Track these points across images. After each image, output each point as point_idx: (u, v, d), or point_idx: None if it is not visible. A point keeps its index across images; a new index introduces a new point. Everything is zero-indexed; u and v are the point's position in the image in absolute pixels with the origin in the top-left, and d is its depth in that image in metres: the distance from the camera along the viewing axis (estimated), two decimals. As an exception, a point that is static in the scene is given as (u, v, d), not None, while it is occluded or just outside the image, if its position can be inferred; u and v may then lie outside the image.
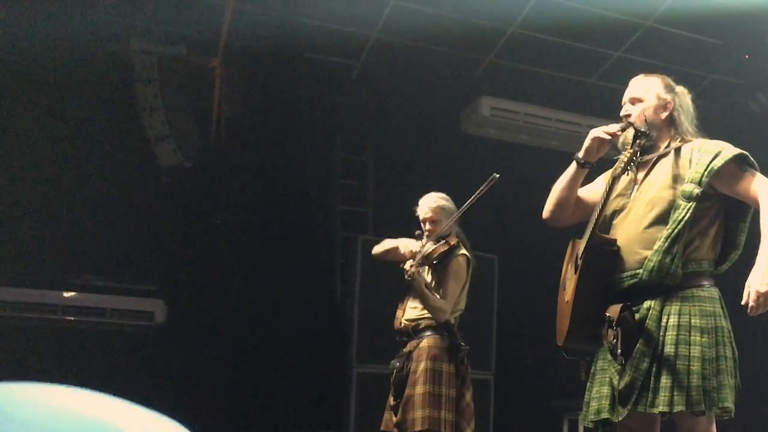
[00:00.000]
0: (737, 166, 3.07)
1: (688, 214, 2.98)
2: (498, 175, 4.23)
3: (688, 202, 2.99)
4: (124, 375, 6.65)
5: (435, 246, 4.67)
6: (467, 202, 4.49)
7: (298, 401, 7.03)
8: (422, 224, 4.85)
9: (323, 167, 8.07)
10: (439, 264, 4.67)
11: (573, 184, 3.39)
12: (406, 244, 4.84)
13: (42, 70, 6.56)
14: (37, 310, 6.42)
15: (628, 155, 3.07)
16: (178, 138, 6.71)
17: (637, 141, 3.10)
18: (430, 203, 4.84)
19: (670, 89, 3.29)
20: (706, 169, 3.00)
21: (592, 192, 3.47)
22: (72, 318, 6.52)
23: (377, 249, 5.03)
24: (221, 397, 7.00)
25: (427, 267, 4.78)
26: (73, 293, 6.53)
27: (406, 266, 4.52)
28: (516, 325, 8.30)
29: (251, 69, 7.28)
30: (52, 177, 6.64)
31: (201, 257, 7.12)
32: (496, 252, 8.24)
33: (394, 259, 4.95)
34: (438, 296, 4.67)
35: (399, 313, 4.83)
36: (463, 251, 4.76)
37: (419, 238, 4.83)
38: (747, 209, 3.10)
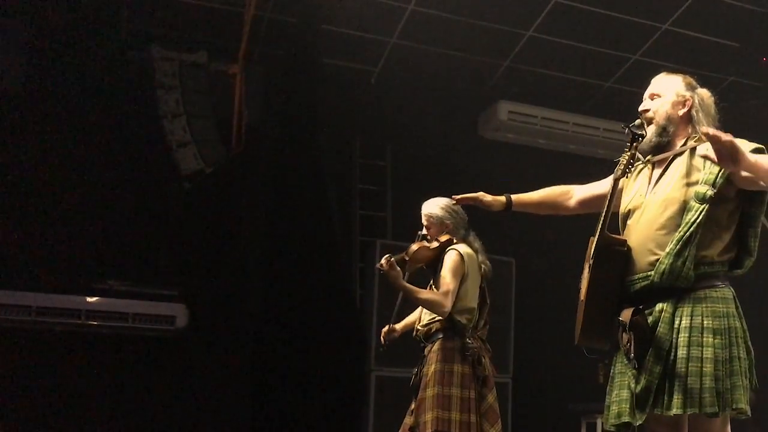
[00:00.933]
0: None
1: (700, 217, 2.93)
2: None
3: (701, 204, 2.95)
4: (146, 379, 6.76)
5: (421, 244, 4.66)
6: None
7: (318, 405, 7.05)
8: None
9: (342, 172, 8.11)
10: (435, 262, 4.67)
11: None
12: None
13: (65, 77, 6.63)
14: (60, 315, 6.46)
15: (626, 158, 3.08)
16: (199, 144, 6.79)
17: (634, 144, 3.11)
18: (427, 207, 4.85)
19: (690, 87, 3.25)
20: (720, 169, 2.93)
21: (596, 191, 3.52)
22: (95, 323, 6.55)
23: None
24: (242, 401, 7.05)
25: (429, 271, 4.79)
26: (96, 298, 6.57)
27: (382, 261, 4.46)
28: (534, 328, 8.29)
29: (271, 75, 7.35)
30: (75, 183, 6.70)
31: (222, 262, 7.16)
32: (513, 255, 8.27)
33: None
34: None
35: (414, 318, 4.88)
36: (457, 248, 4.69)
37: (420, 238, 4.83)
38: (758, 212, 3.06)
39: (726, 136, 2.62)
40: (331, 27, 7.32)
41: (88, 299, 6.57)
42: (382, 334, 4.95)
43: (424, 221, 4.81)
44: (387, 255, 4.44)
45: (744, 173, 2.80)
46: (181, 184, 6.89)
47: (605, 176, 3.41)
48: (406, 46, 7.68)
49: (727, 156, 2.65)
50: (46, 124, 6.64)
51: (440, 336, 4.60)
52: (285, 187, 7.15)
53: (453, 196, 3.85)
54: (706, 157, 2.77)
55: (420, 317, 4.78)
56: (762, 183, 2.85)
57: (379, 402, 7.22)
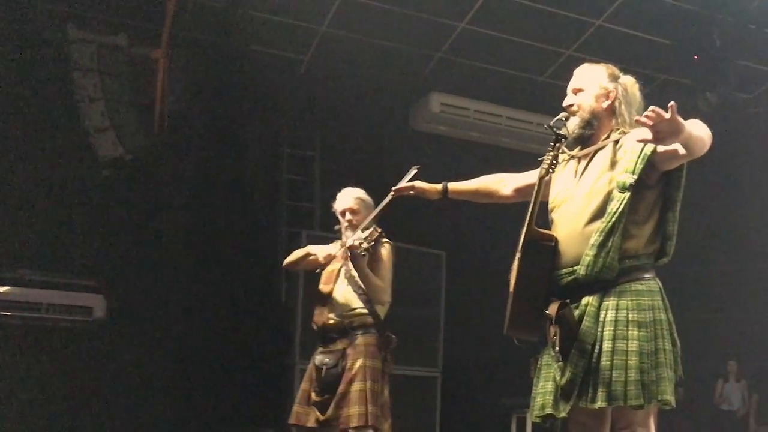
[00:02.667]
0: None
1: (622, 206, 2.92)
2: (418, 168, 4.22)
3: (623, 193, 2.94)
4: (61, 372, 6.58)
5: (370, 230, 4.60)
6: (386, 198, 4.47)
7: (241, 398, 6.99)
8: (341, 216, 4.78)
9: (269, 162, 8.01)
10: (370, 247, 4.62)
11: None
12: (321, 249, 4.82)
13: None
14: (-33, 304, 6.28)
15: (549, 158, 3.08)
16: (118, 130, 6.62)
17: (556, 145, 3.11)
18: (352, 194, 4.81)
19: (613, 78, 3.22)
20: (639, 156, 2.95)
21: (526, 181, 3.49)
22: (7, 313, 6.37)
23: (288, 259, 4.96)
24: (163, 395, 6.91)
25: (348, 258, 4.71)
26: (6, 288, 6.38)
27: (350, 241, 4.43)
28: (464, 322, 8.28)
29: (196, 61, 7.20)
30: (-16, 168, 6.51)
31: (142, 252, 7.00)
32: (444, 248, 8.22)
33: (306, 267, 4.93)
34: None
35: (323, 310, 4.70)
36: (388, 240, 4.69)
37: (338, 232, 4.78)
38: (677, 196, 3.05)
39: (664, 114, 2.63)
40: (260, 13, 7.20)
41: (-2, 288, 6.38)
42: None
43: (352, 206, 4.74)
44: (356, 237, 4.43)
45: (670, 148, 2.81)
46: (99, 171, 6.71)
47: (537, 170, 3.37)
48: (336, 34, 7.59)
49: (667, 132, 2.67)
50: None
51: (366, 330, 4.56)
52: (209, 177, 7.06)
53: (392, 189, 3.85)
54: (643, 141, 2.77)
55: (330, 306, 4.65)
56: (691, 152, 2.85)
57: None
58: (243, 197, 7.24)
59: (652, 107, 2.65)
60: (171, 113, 6.87)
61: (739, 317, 9.68)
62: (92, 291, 6.69)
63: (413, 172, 4.22)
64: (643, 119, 2.67)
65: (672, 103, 2.63)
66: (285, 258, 6.83)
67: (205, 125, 7.30)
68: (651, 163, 2.95)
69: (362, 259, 4.46)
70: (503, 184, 3.60)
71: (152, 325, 6.94)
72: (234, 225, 7.12)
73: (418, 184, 3.78)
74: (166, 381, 6.96)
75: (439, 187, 3.71)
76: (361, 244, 4.38)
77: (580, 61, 3.36)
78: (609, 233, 2.93)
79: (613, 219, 2.92)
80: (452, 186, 3.69)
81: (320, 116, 8.11)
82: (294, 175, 8.12)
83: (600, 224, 2.95)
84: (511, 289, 3.10)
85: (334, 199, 4.90)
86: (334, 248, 4.78)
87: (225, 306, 7.07)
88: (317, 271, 4.70)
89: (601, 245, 2.92)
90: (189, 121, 7.25)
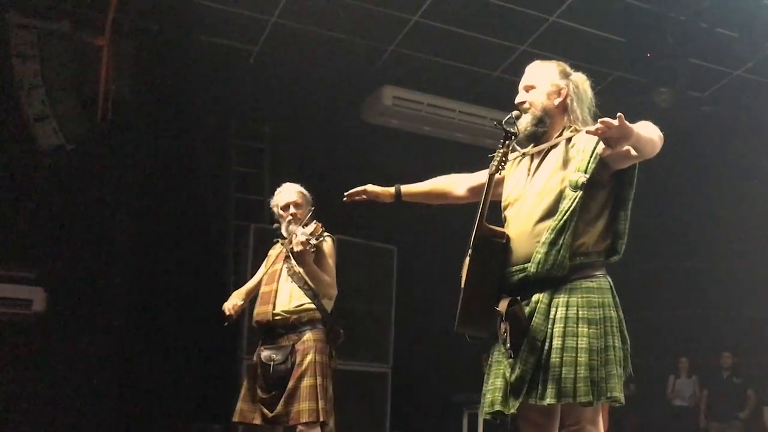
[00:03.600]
0: None
1: (574, 204, 2.92)
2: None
3: (575, 192, 2.94)
4: (1, 365, 6.42)
5: (313, 225, 4.57)
6: None
7: (187, 392, 6.92)
8: (283, 210, 4.77)
9: (217, 153, 7.88)
10: (316, 243, 4.59)
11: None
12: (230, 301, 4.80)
13: None
14: None
15: (499, 156, 3.05)
16: (59, 119, 6.46)
17: (506, 142, 3.08)
18: (293, 188, 4.84)
19: (564, 75, 3.21)
20: (591, 155, 2.95)
21: (477, 180, 3.47)
22: (-61, 305, 6.23)
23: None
24: (106, 390, 6.80)
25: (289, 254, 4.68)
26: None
27: (299, 238, 4.40)
28: (416, 318, 8.25)
29: (141, 49, 7.04)
30: None
31: (85, 244, 6.85)
32: (395, 243, 8.17)
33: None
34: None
35: (266, 307, 4.64)
36: (330, 235, 4.67)
37: (278, 230, 4.80)
38: (628, 195, 3.06)
39: (613, 122, 2.66)
40: (207, 2, 7.07)
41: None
42: (233, 309, 4.73)
43: (296, 199, 4.76)
44: (303, 233, 4.43)
45: (622, 149, 2.80)
46: (39, 161, 6.56)
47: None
48: (287, 25, 7.48)
49: (617, 138, 2.70)
50: None
51: (314, 325, 4.55)
52: (154, 168, 6.92)
53: (345, 194, 3.74)
54: (594, 134, 2.77)
55: (274, 303, 4.61)
56: (642, 154, 2.87)
57: None
58: (190, 189, 7.12)
59: (601, 119, 2.68)
60: (115, 103, 6.73)
61: (690, 314, 9.78)
62: (32, 283, 6.54)
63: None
64: (593, 130, 2.70)
65: (620, 114, 2.66)
66: (233, 251, 6.76)
67: (151, 116, 7.15)
68: (603, 162, 2.95)
69: (310, 256, 4.44)
70: (456, 184, 3.58)
71: (95, 318, 6.79)
72: (181, 217, 6.99)
73: (370, 188, 3.70)
74: (109, 376, 6.83)
75: (392, 190, 3.66)
76: (309, 240, 4.37)
77: (534, 57, 3.34)
78: (560, 231, 2.93)
79: (565, 217, 2.93)
80: (405, 188, 3.66)
81: (270, 108, 8.00)
82: (243, 167, 8.02)
83: (551, 222, 2.95)
84: (462, 285, 3.09)
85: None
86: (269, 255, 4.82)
87: (170, 300, 6.97)
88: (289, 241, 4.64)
89: (552, 243, 2.93)
90: (134, 111, 7.09)
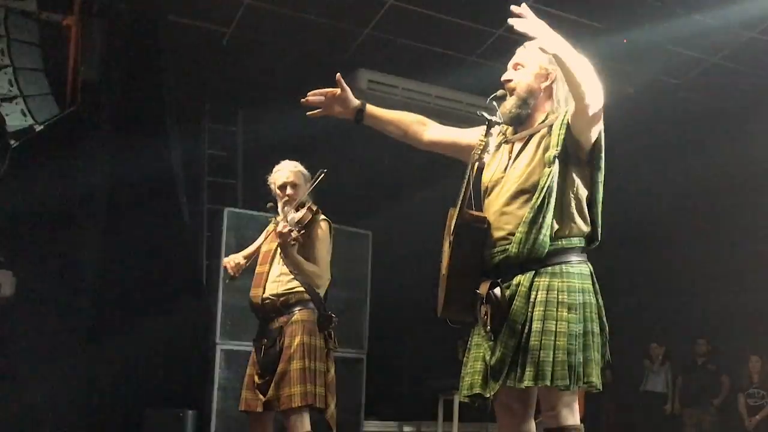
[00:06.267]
0: None
1: (549, 180, 2.94)
2: (325, 171, 4.35)
3: (550, 167, 2.96)
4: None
5: (303, 211, 4.51)
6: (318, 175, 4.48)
7: (159, 378, 6.84)
8: (280, 191, 4.66)
9: (190, 136, 7.76)
10: (303, 232, 4.51)
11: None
12: (231, 258, 4.78)
13: None
14: None
15: (482, 145, 3.03)
16: (27, 99, 6.37)
17: (489, 131, 3.06)
18: (290, 167, 4.70)
19: (552, 61, 3.13)
20: (560, 127, 2.98)
21: (466, 138, 3.35)
22: None
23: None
24: (77, 376, 6.71)
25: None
26: None
27: (280, 227, 4.32)
28: (391, 303, 8.21)
29: (111, 29, 6.91)
30: None
31: (54, 228, 6.74)
32: (370, 227, 8.13)
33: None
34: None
35: (258, 290, 4.62)
36: (324, 217, 4.63)
37: (272, 210, 4.68)
38: (598, 177, 3.05)
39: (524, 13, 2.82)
40: (179, -19, 6.99)
41: None
42: (236, 268, 4.70)
43: (292, 179, 4.64)
44: (284, 224, 4.36)
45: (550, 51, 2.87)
46: (6, 142, 6.45)
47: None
48: (261, 7, 7.40)
49: (537, 30, 2.82)
50: None
51: (300, 307, 4.49)
52: (125, 150, 6.82)
53: (306, 96, 3.36)
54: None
55: (265, 286, 4.57)
56: (572, 82, 2.90)
57: (224, 375, 7.06)
58: (161, 171, 7.02)
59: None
60: (84, 83, 6.63)
61: (665, 301, 9.84)
62: (0, 267, 6.44)
63: (321, 176, 4.25)
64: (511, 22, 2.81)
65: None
66: (206, 234, 6.65)
67: (122, 97, 7.04)
68: (570, 133, 2.97)
69: (292, 248, 4.37)
70: (424, 127, 3.41)
71: (65, 303, 6.69)
72: (152, 200, 6.90)
73: (333, 91, 3.33)
74: (80, 362, 6.72)
75: (357, 102, 3.36)
76: (290, 232, 4.30)
77: (510, 41, 3.30)
78: (539, 209, 2.93)
79: (543, 193, 2.93)
80: (371, 108, 3.39)
81: (243, 90, 7.94)
82: (215, 150, 7.97)
83: (531, 201, 2.96)
84: (444, 272, 3.10)
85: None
86: (241, 258, 4.74)
87: (142, 284, 6.87)
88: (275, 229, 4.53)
89: (533, 221, 2.93)
90: (104, 93, 6.98)
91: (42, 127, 6.50)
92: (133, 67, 7.05)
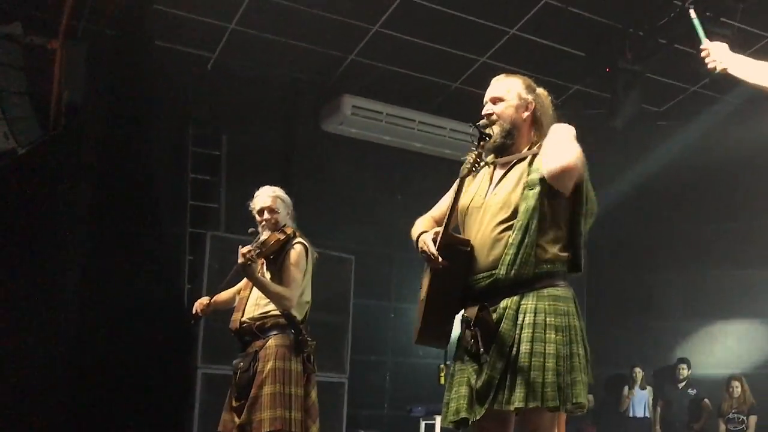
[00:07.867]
0: None
1: (534, 201, 2.98)
2: None
3: (533, 189, 3.00)
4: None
5: (271, 234, 4.52)
6: None
7: (142, 402, 6.79)
8: (258, 215, 4.70)
9: (173, 160, 7.79)
10: (278, 255, 4.54)
11: None
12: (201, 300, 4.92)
13: None
14: None
15: (474, 157, 3.04)
16: (10, 122, 6.36)
17: (481, 143, 3.07)
18: (268, 192, 4.73)
19: (531, 89, 3.25)
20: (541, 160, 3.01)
21: (444, 205, 3.36)
22: None
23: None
24: (58, 399, 6.69)
25: (264, 262, 4.61)
26: None
27: (242, 250, 4.32)
28: (373, 328, 8.21)
29: (96, 53, 6.96)
30: None
31: (36, 251, 6.72)
32: (353, 252, 8.11)
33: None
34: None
35: (237, 314, 4.66)
36: (301, 240, 4.63)
37: (253, 235, 4.66)
38: (579, 209, 3.06)
39: None
40: (165, 7, 7.01)
41: None
42: (200, 306, 4.82)
43: (270, 204, 4.66)
44: (244, 247, 4.34)
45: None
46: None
47: (450, 175, 3.30)
48: (246, 33, 7.45)
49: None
50: None
51: (276, 332, 4.50)
52: (109, 174, 6.84)
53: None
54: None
55: (244, 310, 4.61)
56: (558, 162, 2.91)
57: (205, 399, 7.03)
58: (145, 196, 7.01)
59: None
60: (68, 107, 6.66)
61: (645, 326, 9.88)
62: (-22, 291, 6.40)
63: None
64: None
65: None
66: (189, 259, 6.64)
67: (106, 121, 7.06)
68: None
69: (252, 270, 4.36)
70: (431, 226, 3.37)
71: (47, 326, 6.66)
72: (135, 224, 6.88)
73: None
74: (61, 384, 6.71)
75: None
76: (249, 252, 4.30)
77: (493, 69, 3.34)
78: (525, 229, 2.97)
79: (528, 215, 2.97)
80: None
81: (227, 115, 7.95)
82: (199, 174, 7.93)
83: (515, 223, 2.99)
84: (423, 296, 3.10)
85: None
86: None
87: (125, 308, 6.83)
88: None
89: (519, 243, 2.97)
90: (88, 116, 7.01)
91: (25, 150, 6.49)
92: (118, 92, 7.05)
